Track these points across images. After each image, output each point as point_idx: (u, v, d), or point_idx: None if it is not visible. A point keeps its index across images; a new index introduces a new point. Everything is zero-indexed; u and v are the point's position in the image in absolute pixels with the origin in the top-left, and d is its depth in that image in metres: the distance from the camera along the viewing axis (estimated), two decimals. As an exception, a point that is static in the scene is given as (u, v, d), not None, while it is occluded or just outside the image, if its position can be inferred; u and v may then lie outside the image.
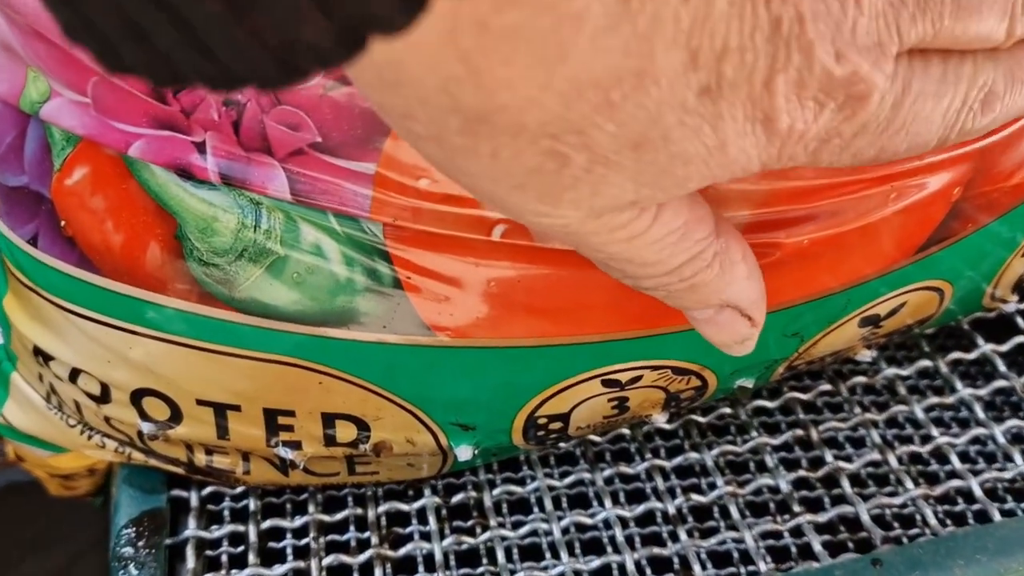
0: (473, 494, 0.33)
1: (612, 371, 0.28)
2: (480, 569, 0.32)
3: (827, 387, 0.36)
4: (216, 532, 0.32)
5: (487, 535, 0.32)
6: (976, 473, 0.33)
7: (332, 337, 0.26)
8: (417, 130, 0.17)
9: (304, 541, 0.32)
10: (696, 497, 0.33)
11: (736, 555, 0.32)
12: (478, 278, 0.25)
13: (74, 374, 0.29)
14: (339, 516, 0.33)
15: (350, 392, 0.27)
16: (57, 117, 0.25)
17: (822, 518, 0.31)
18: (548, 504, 0.33)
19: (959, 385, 0.36)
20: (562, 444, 0.34)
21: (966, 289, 0.31)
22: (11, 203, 0.27)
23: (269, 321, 0.26)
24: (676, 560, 0.31)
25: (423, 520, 0.33)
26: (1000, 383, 0.35)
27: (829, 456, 0.33)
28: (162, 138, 0.24)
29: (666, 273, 0.20)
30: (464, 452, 0.30)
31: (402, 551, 0.31)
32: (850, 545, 0.32)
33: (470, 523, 0.33)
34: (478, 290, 0.25)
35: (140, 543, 0.31)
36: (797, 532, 0.32)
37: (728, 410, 0.36)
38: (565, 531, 0.32)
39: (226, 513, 0.33)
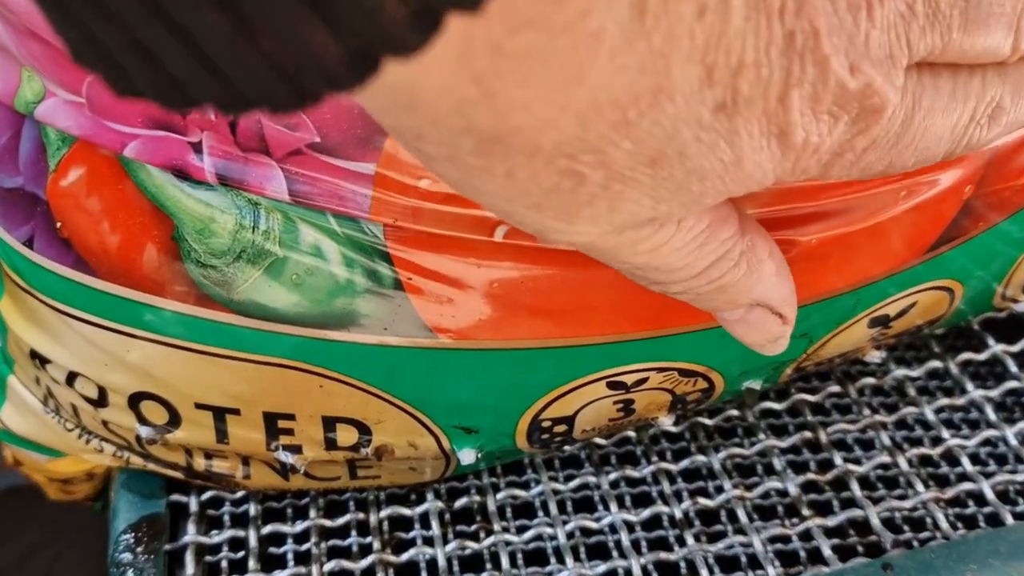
0: (477, 498, 0.33)
1: (617, 373, 0.27)
2: (484, 574, 0.31)
3: (836, 388, 0.36)
4: (216, 537, 0.32)
5: (491, 540, 0.31)
6: (987, 475, 0.32)
7: (332, 339, 0.26)
8: (430, 151, 0.16)
9: (305, 546, 0.32)
10: (703, 501, 0.32)
11: (744, 559, 0.32)
12: (480, 279, 0.25)
13: (71, 377, 0.28)
14: (341, 521, 0.32)
15: (351, 395, 0.27)
16: (52, 117, 0.25)
17: (831, 522, 0.31)
18: (553, 508, 0.32)
19: (969, 386, 0.35)
20: (567, 447, 0.34)
21: (976, 289, 0.31)
22: (6, 205, 0.27)
23: (268, 323, 0.25)
24: (683, 565, 0.31)
25: (426, 525, 0.33)
26: (1011, 384, 0.35)
27: (838, 458, 0.33)
28: (158, 138, 0.24)
29: (693, 276, 0.20)
30: (467, 456, 0.29)
31: (405, 556, 0.31)
32: (860, 549, 0.32)
33: (474, 528, 0.33)
34: (480, 291, 0.25)
35: (139, 549, 0.30)
36: (806, 536, 0.31)
37: (735, 412, 0.35)
38: (570, 535, 0.32)
39: (226, 518, 0.33)
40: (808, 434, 0.34)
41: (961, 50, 0.18)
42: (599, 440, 0.34)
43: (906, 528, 0.33)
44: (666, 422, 0.31)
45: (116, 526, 0.31)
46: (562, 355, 0.27)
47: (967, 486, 0.32)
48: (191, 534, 0.31)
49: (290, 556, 0.32)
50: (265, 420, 0.28)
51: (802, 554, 0.32)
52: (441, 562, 0.31)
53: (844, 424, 0.34)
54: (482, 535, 0.32)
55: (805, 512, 0.31)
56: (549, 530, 0.32)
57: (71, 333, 0.27)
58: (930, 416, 0.35)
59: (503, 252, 0.25)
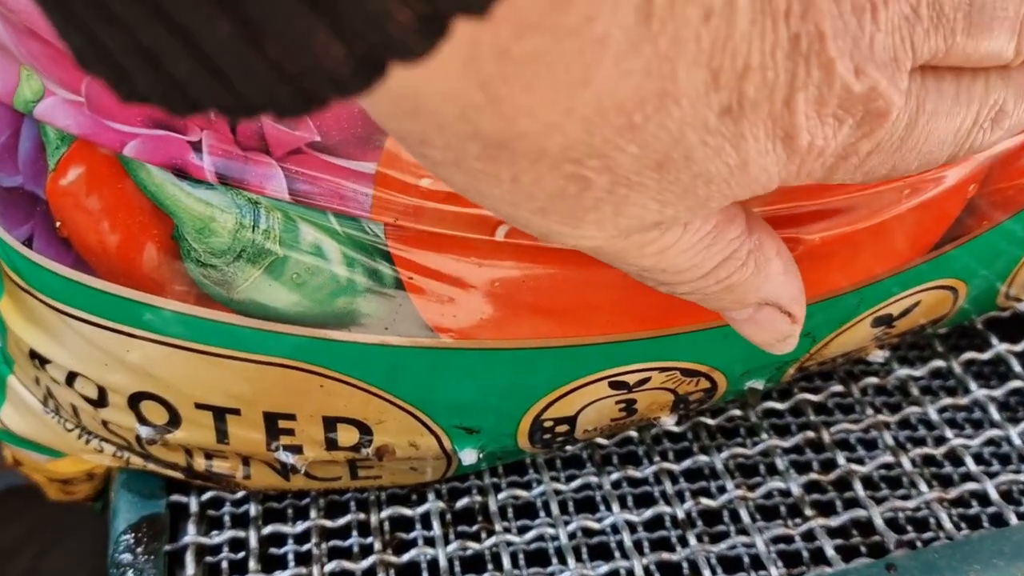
0: (478, 498, 0.33)
1: (619, 373, 0.27)
2: (485, 575, 0.31)
3: (839, 388, 0.35)
4: (216, 538, 0.31)
5: (492, 540, 0.31)
6: (991, 475, 0.32)
7: (333, 339, 0.25)
8: (435, 156, 0.16)
9: (306, 547, 0.32)
10: (705, 501, 0.32)
11: (747, 560, 0.32)
12: (482, 278, 0.25)
13: (71, 377, 0.28)
14: (341, 521, 0.32)
15: (352, 395, 0.27)
16: (51, 116, 0.25)
17: (834, 522, 0.31)
18: (555, 508, 0.32)
19: (973, 386, 0.35)
20: (568, 447, 0.34)
21: (980, 288, 0.31)
22: (6, 204, 0.27)
23: (268, 323, 0.25)
24: (686, 565, 0.31)
25: (427, 525, 0.33)
26: (1015, 383, 0.35)
27: (841, 458, 0.33)
28: (158, 137, 0.24)
29: (701, 277, 0.20)
30: (468, 456, 0.29)
31: (406, 557, 0.31)
32: (863, 549, 0.32)
33: (475, 528, 0.33)
34: (482, 291, 0.25)
35: (139, 549, 0.30)
36: (809, 536, 0.31)
37: (738, 412, 0.35)
38: (572, 536, 0.32)
39: (226, 518, 0.33)
40: (811, 434, 0.34)
41: (965, 53, 0.18)
42: (601, 440, 0.34)
43: (910, 528, 0.33)
44: (668, 422, 0.31)
45: (116, 526, 0.31)
46: (564, 355, 0.26)
47: (971, 486, 0.32)
48: (191, 534, 0.31)
49: (291, 557, 0.32)
50: (265, 420, 0.28)
51: (805, 554, 0.32)
52: (442, 563, 0.31)
53: (847, 424, 0.34)
54: (484, 535, 0.32)
55: (808, 512, 0.31)
56: (551, 530, 0.32)
57: (71, 333, 0.27)
58: (933, 416, 0.34)
59: (504, 251, 0.25)
